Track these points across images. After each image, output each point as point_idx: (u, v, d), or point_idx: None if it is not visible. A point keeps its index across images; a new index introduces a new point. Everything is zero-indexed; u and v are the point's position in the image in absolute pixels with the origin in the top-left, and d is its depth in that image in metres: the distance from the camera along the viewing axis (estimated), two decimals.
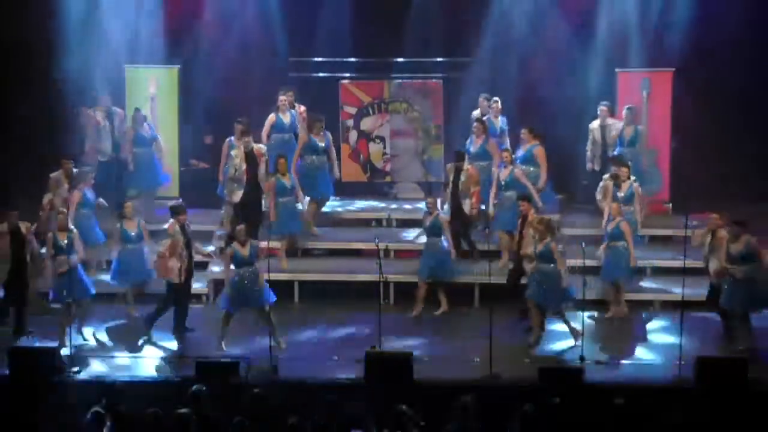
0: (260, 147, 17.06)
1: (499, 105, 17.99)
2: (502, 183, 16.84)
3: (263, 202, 16.97)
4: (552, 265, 14.83)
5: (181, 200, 15.89)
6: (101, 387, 12.65)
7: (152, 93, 18.52)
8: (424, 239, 16.46)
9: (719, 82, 19.00)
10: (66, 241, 15.08)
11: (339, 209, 18.56)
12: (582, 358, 14.18)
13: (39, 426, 12.84)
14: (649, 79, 18.42)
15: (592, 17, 18.88)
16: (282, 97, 17.74)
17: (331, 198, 18.10)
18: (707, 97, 18.79)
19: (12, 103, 19.35)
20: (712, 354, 14.36)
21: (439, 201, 16.82)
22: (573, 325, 14.89)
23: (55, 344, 14.56)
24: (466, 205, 16.82)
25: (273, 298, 15.02)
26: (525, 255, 15.44)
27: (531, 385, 13.29)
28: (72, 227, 15.35)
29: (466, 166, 16.92)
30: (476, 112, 18.22)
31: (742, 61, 19.10)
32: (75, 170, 16.85)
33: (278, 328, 14.97)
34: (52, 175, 16.85)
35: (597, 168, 17.87)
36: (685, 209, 15.84)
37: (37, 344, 14.74)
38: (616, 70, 18.63)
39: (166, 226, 15.51)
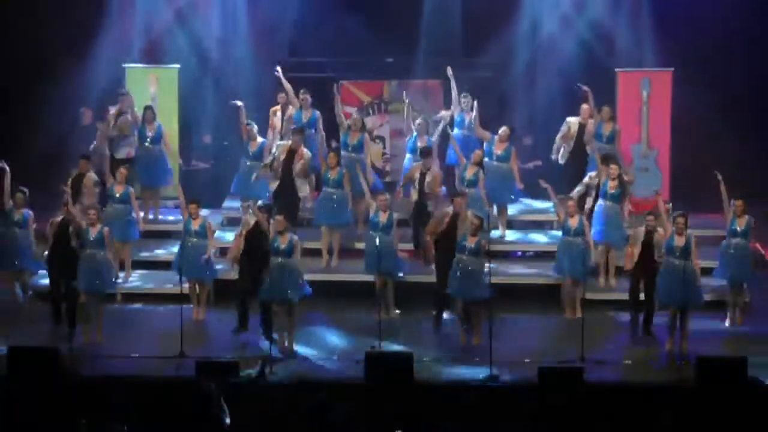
0: (305, 151, 17.19)
1: (470, 101, 17.96)
2: (466, 180, 16.92)
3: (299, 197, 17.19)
4: (478, 258, 14.98)
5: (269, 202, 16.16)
6: (104, 386, 12.68)
7: (152, 93, 18.54)
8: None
9: (719, 82, 19.04)
10: (96, 236, 15.19)
11: None
12: (582, 358, 14.19)
13: (39, 426, 12.85)
14: (649, 79, 18.45)
15: (592, 17, 18.94)
16: (303, 96, 17.97)
17: None
18: (707, 97, 18.82)
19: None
20: (712, 354, 14.38)
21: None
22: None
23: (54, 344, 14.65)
24: (431, 206, 16.84)
25: (307, 291, 15.11)
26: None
27: (531, 385, 13.29)
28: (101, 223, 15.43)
29: (433, 166, 17.04)
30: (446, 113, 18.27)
31: (742, 60, 19.15)
32: (90, 175, 16.89)
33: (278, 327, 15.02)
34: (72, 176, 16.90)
35: (561, 161, 17.93)
36: (685, 209, 15.84)
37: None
38: (616, 70, 18.64)
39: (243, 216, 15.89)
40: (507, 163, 17.54)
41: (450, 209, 15.73)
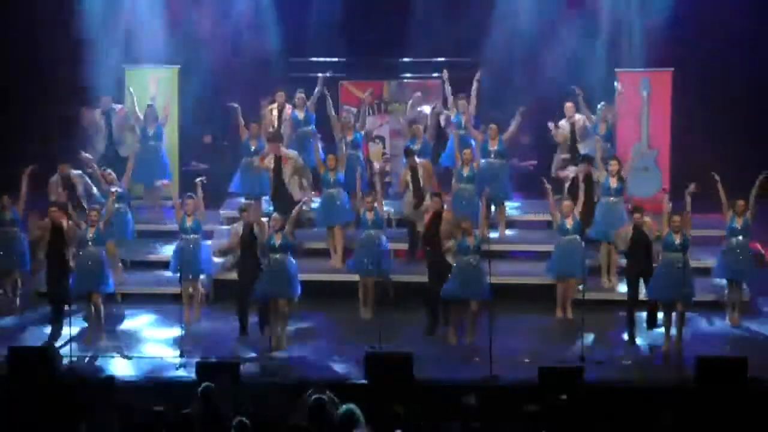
0: (289, 152, 17.35)
1: (466, 103, 17.96)
2: (465, 177, 16.94)
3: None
4: (479, 255, 15.00)
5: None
6: (104, 386, 12.69)
7: (152, 93, 18.55)
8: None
9: (718, 83, 19.05)
10: (94, 236, 15.25)
11: None
12: (582, 358, 14.19)
13: (39, 426, 12.85)
14: (649, 79, 18.45)
15: (592, 17, 18.95)
16: (300, 95, 18.09)
17: None
18: (707, 98, 18.82)
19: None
20: (712, 354, 14.38)
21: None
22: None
23: (54, 343, 14.67)
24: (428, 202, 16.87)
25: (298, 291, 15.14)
26: (447, 250, 15.42)
27: (531, 385, 13.29)
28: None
29: (419, 162, 17.07)
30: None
31: (741, 62, 19.16)
32: (73, 172, 16.90)
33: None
34: (51, 179, 16.87)
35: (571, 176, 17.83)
36: (684, 209, 15.84)
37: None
38: (616, 70, 18.65)
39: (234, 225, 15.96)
40: (504, 158, 17.49)
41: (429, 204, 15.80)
